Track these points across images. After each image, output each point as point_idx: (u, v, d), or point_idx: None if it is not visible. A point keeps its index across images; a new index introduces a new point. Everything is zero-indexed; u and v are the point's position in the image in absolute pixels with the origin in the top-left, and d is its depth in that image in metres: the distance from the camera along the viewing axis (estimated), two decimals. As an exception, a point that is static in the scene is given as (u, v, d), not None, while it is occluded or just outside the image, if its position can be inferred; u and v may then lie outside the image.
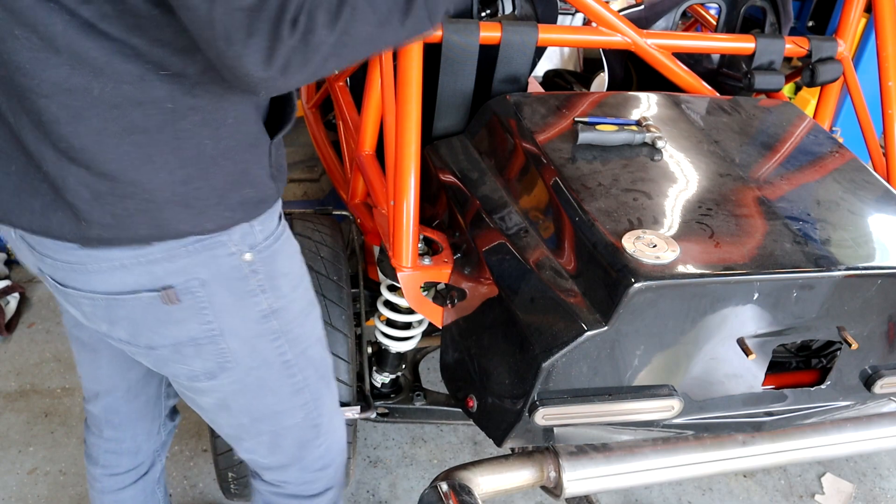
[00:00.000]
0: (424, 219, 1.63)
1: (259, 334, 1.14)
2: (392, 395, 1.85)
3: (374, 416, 1.74)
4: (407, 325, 1.75)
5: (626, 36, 1.69)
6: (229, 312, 1.10)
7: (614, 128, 1.44)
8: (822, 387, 1.38)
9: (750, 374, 1.31)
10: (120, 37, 0.86)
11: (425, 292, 1.54)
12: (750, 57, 1.80)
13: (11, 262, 2.93)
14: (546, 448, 1.35)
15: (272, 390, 1.22)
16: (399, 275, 1.47)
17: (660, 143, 1.44)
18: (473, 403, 1.37)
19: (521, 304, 1.27)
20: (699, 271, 1.17)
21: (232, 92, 0.96)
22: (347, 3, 0.86)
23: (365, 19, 0.87)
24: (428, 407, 1.85)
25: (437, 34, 1.57)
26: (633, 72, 2.40)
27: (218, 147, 0.98)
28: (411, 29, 0.94)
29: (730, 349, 1.26)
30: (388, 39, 0.95)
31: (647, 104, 1.66)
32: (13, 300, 2.73)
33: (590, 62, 2.97)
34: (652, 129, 1.46)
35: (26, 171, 0.97)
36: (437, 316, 1.53)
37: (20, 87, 0.88)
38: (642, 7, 2.26)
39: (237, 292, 1.09)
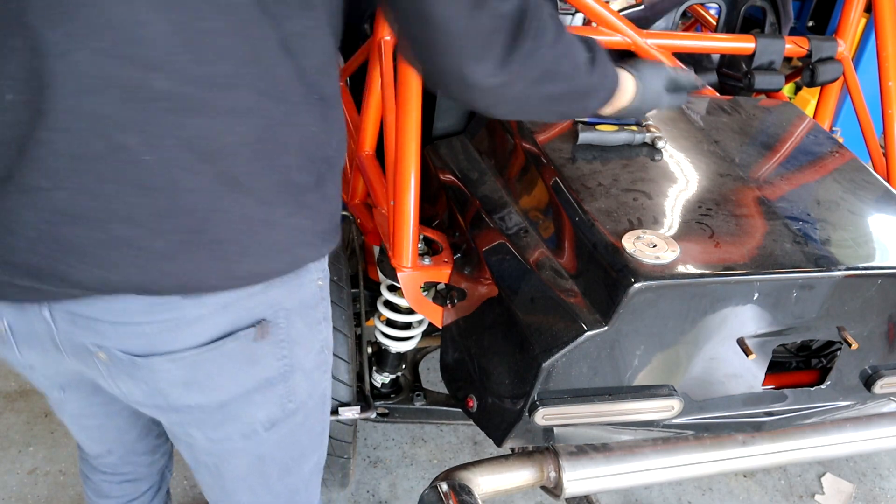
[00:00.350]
0: (424, 219, 1.63)
1: (317, 366, 1.11)
2: (392, 395, 1.85)
3: (374, 416, 1.74)
4: (407, 325, 1.75)
5: (626, 36, 1.69)
6: (300, 344, 1.05)
7: (614, 128, 1.44)
8: (822, 387, 1.38)
9: (750, 374, 1.31)
10: (299, 56, 0.85)
11: (425, 292, 1.54)
12: (750, 57, 1.80)
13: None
14: (546, 448, 1.35)
15: (310, 429, 1.16)
16: (399, 275, 1.47)
17: (660, 143, 1.44)
18: (473, 403, 1.37)
19: (521, 304, 1.27)
20: (699, 271, 1.17)
21: (342, 115, 0.98)
22: (564, 34, 0.98)
23: (568, 55, 0.99)
24: (428, 407, 1.84)
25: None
26: (633, 72, 2.39)
27: (333, 168, 0.98)
28: (594, 82, 1.08)
29: (730, 349, 1.26)
30: (578, 86, 1.06)
31: (647, 104, 1.66)
32: (13, 300, 2.73)
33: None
34: (652, 129, 1.46)
35: (132, 220, 0.84)
36: (437, 316, 1.53)
37: (206, 105, 0.81)
38: (642, 7, 2.26)
39: (309, 321, 1.05)
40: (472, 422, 1.41)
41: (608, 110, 1.24)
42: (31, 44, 0.75)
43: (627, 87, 1.23)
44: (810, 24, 4.35)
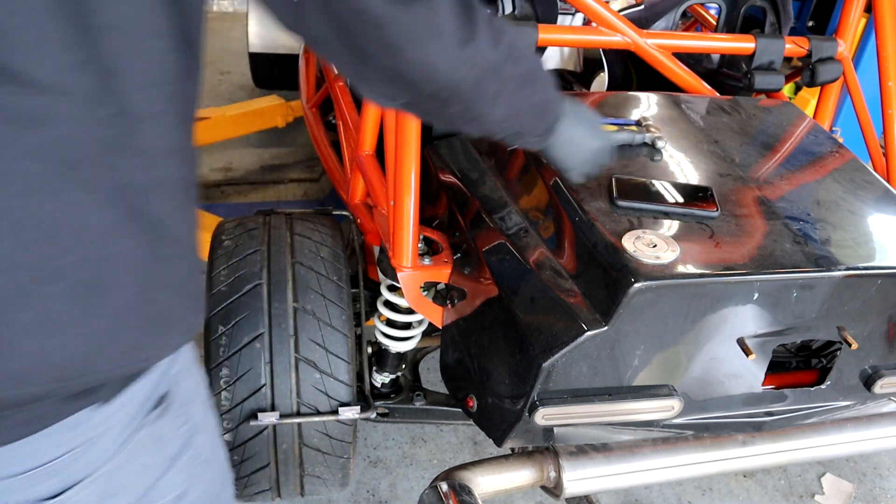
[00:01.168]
0: (424, 219, 1.62)
1: (206, 411, 0.97)
2: (392, 395, 1.85)
3: (374, 416, 1.74)
4: (407, 325, 1.75)
5: (626, 36, 1.69)
6: (194, 402, 0.92)
7: (614, 128, 1.43)
8: (822, 387, 1.38)
9: (750, 374, 1.31)
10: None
11: (425, 292, 1.54)
12: (750, 57, 1.80)
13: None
14: (546, 448, 1.35)
15: (214, 478, 1.00)
16: (399, 275, 1.47)
17: (660, 143, 1.44)
18: (473, 403, 1.37)
19: (521, 304, 1.27)
20: (699, 271, 1.17)
21: None
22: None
23: (523, 58, 0.95)
24: (428, 407, 1.84)
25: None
26: (633, 72, 2.40)
27: None
28: (535, 110, 1.03)
29: (730, 349, 1.26)
30: (538, 64, 1.01)
31: (647, 104, 1.66)
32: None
33: (590, 62, 2.97)
34: (652, 129, 1.46)
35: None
36: (437, 316, 1.53)
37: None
38: (642, 7, 2.26)
39: (193, 375, 0.93)
40: (472, 422, 1.41)
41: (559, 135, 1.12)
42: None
43: (563, 100, 1.12)
44: (810, 24, 4.35)
